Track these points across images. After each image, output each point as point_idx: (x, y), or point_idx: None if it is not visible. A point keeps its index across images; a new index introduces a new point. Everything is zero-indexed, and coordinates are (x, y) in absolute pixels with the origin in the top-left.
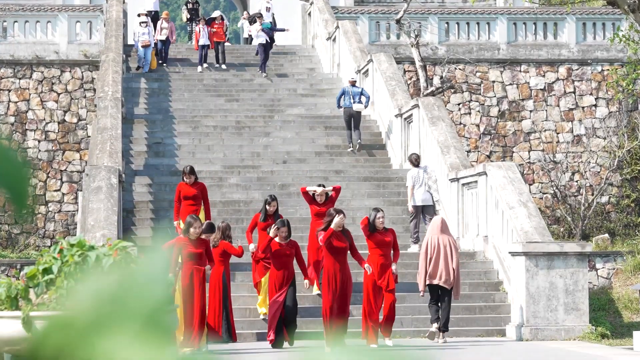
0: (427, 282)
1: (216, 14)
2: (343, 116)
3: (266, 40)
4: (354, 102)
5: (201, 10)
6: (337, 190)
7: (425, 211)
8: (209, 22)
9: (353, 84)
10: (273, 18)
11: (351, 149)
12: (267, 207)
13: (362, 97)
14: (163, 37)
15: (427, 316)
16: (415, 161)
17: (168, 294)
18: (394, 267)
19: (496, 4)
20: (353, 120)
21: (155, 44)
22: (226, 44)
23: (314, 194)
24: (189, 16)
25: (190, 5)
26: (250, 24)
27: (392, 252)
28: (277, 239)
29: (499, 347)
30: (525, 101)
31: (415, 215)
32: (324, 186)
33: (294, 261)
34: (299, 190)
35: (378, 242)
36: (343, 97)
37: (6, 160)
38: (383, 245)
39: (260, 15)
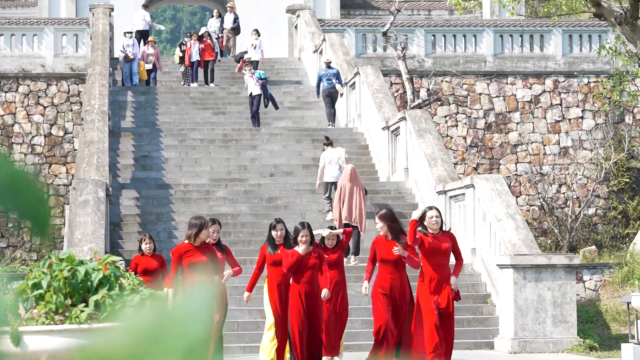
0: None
1: (203, 30)
2: (322, 96)
3: (261, 93)
4: (333, 83)
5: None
6: (348, 233)
7: (333, 187)
8: (199, 38)
9: (328, 65)
10: (257, 65)
11: (331, 125)
12: (273, 232)
13: (338, 79)
14: (150, 66)
15: None
16: (327, 143)
17: (206, 331)
18: (453, 280)
19: (482, 17)
20: (331, 99)
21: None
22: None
23: (322, 239)
24: (181, 55)
25: (184, 47)
26: (237, 60)
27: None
28: (296, 248)
29: None
30: (512, 113)
31: (326, 190)
32: (334, 228)
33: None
34: (286, 203)
35: (431, 249)
36: (322, 80)
37: (30, 192)
38: (438, 253)
39: (241, 58)
